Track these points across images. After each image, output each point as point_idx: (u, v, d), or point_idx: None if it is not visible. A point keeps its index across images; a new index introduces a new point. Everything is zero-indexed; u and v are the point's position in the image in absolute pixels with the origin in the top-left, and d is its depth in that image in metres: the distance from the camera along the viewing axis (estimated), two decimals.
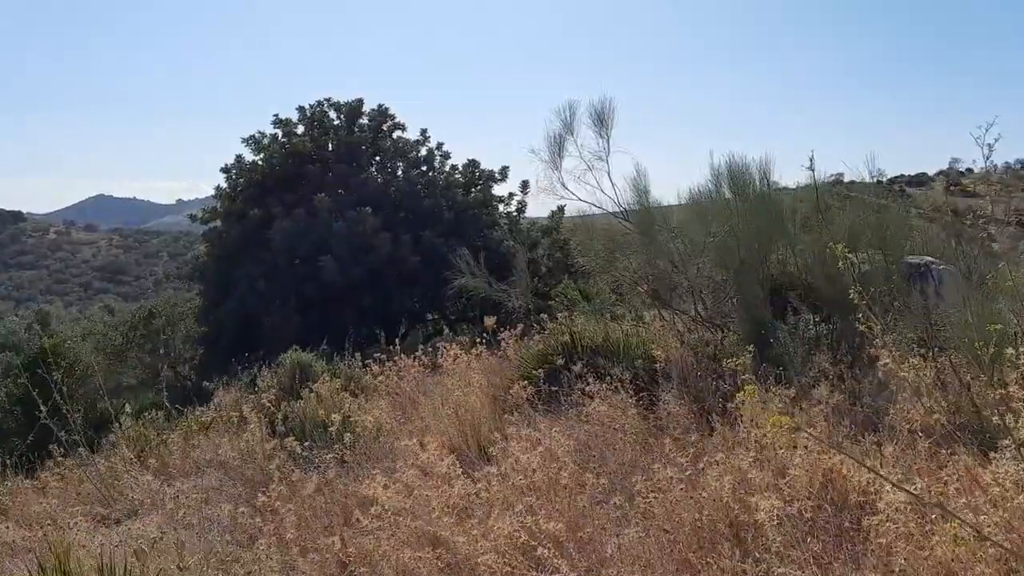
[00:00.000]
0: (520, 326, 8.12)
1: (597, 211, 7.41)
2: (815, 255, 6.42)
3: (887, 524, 2.85)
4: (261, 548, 3.79)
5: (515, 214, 16.33)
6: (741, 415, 4.24)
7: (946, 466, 3.26)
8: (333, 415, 5.14)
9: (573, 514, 3.79)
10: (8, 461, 7.21)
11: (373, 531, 3.75)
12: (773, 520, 2.96)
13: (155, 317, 14.35)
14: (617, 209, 7.29)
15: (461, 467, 4.77)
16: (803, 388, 5.04)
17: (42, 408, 5.78)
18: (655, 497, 3.48)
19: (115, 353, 13.91)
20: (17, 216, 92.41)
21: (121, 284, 76.33)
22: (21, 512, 6.23)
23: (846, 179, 8.87)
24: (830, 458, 3.44)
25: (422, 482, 4.11)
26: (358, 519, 3.60)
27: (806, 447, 3.46)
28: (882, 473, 2.58)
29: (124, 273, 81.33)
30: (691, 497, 3.57)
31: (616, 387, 5.42)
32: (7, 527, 5.26)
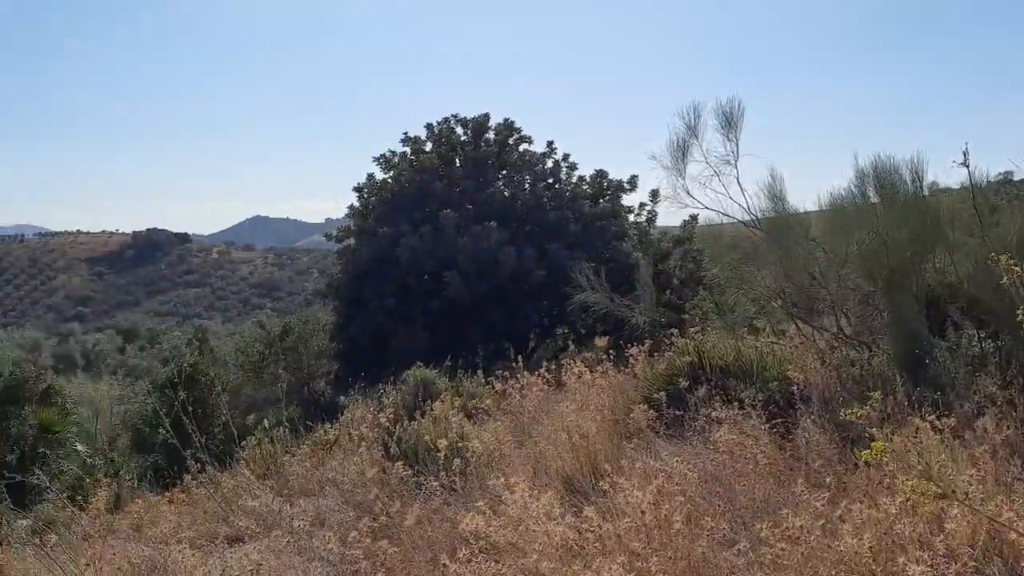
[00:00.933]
0: (648, 342, 7.71)
1: (725, 219, 6.91)
2: (979, 263, 5.68)
3: None
4: None
5: (645, 224, 15.82)
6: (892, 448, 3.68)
7: None
8: (440, 440, 4.93)
9: (693, 559, 3.39)
10: (147, 476, 7.52)
11: (473, 571, 3.49)
12: None
13: (289, 334, 14.85)
14: (747, 217, 6.77)
15: (573, 500, 4.45)
16: (965, 416, 4.40)
17: (167, 428, 5.92)
18: (782, 549, 3.02)
19: (252, 369, 14.50)
20: (183, 238, 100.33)
21: (276, 300, 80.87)
22: (153, 530, 6.43)
23: (1016, 178, 7.98)
24: (998, 508, 2.88)
25: (528, 516, 3.82)
26: (445, 563, 3.34)
27: (967, 494, 2.91)
28: None
29: (278, 289, 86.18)
30: (828, 547, 3.08)
31: (748, 412, 4.94)
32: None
